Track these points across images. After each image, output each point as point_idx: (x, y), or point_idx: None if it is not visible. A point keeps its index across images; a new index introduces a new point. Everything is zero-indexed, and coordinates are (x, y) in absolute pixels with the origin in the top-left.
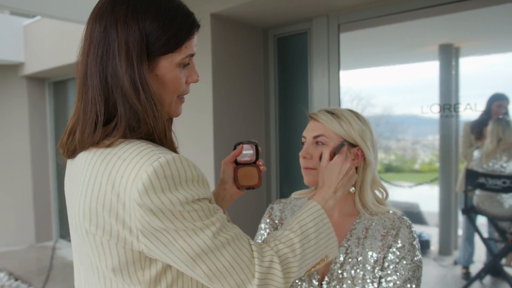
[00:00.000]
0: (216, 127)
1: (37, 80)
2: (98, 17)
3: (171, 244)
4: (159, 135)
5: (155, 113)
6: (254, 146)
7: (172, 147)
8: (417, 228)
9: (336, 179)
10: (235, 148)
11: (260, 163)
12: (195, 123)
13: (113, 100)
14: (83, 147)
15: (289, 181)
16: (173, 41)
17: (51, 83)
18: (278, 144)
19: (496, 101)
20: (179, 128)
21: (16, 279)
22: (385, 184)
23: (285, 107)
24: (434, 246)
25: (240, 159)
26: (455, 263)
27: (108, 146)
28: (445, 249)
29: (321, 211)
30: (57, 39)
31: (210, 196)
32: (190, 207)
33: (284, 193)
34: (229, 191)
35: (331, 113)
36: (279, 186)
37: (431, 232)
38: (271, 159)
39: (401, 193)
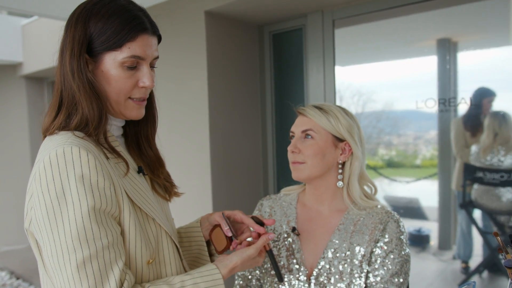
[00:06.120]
0: (212, 125)
1: (36, 79)
2: (64, 26)
3: (41, 241)
4: (93, 122)
5: (92, 103)
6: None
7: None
8: (417, 223)
9: (241, 264)
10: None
11: (234, 246)
12: (190, 121)
13: (66, 94)
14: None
15: (286, 177)
16: (113, 39)
17: (50, 83)
18: (275, 140)
19: (487, 97)
20: (175, 127)
21: (18, 278)
22: (385, 180)
23: (281, 104)
24: (433, 241)
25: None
26: (454, 257)
27: (47, 135)
28: (444, 244)
29: (220, 281)
30: (55, 39)
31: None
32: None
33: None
34: (203, 232)
35: (319, 108)
36: (276, 182)
37: (431, 227)
38: (268, 155)
39: (401, 188)
